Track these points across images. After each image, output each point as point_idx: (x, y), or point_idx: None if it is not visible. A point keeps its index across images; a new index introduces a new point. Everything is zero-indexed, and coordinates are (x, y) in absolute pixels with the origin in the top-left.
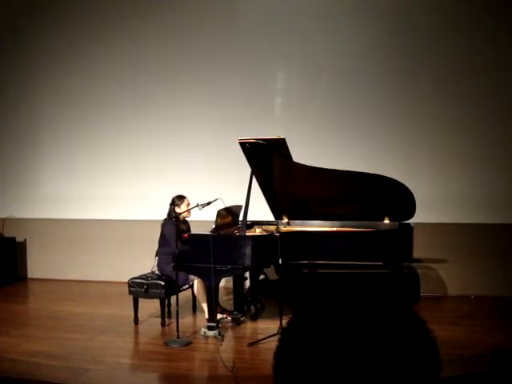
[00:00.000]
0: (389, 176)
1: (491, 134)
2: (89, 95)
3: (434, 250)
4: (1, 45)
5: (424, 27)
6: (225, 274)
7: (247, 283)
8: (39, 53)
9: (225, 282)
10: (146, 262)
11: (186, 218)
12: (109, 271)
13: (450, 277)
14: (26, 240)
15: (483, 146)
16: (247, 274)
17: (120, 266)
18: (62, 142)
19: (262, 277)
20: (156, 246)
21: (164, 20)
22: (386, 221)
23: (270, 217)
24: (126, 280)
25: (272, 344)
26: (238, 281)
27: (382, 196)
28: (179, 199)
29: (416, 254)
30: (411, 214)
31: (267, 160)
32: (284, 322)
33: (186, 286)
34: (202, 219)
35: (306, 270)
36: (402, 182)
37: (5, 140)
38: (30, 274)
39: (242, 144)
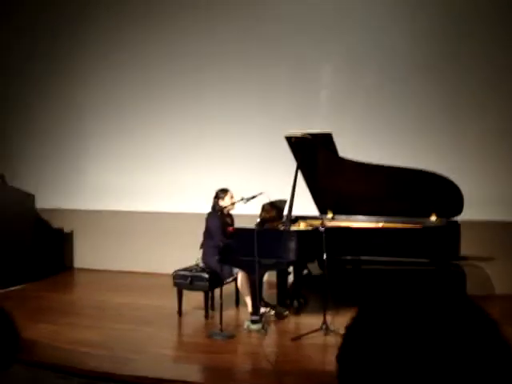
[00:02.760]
0: (436, 172)
1: None
2: (138, 85)
3: (480, 247)
4: (53, 40)
5: (474, 23)
6: (269, 267)
7: (291, 278)
8: (89, 48)
9: (268, 277)
10: (190, 255)
11: (230, 211)
12: (153, 263)
13: (497, 275)
14: (72, 231)
15: None
16: (291, 269)
17: (164, 258)
18: (110, 133)
19: (305, 272)
20: (200, 239)
21: (211, 18)
22: (433, 217)
23: (315, 211)
24: (170, 272)
25: (315, 339)
26: (282, 275)
27: (428, 192)
28: (222, 192)
29: (463, 252)
30: (459, 211)
31: (313, 154)
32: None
33: (230, 279)
34: (246, 213)
35: (349, 266)
36: (450, 178)
37: (54, 132)
38: (76, 264)
39: (289, 139)
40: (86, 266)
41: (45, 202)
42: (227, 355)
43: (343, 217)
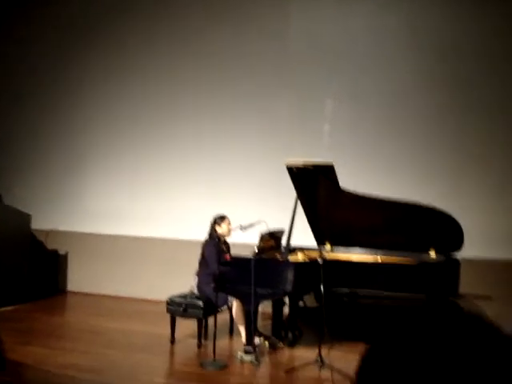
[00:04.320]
0: (435, 207)
1: None
2: (138, 110)
3: (480, 286)
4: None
5: (476, 58)
6: (265, 298)
7: (286, 309)
8: (90, 67)
9: (263, 307)
10: (184, 282)
11: (227, 239)
12: (147, 289)
13: (496, 315)
14: (67, 253)
15: None
16: (286, 300)
17: (158, 285)
18: (109, 157)
19: (301, 303)
20: (195, 267)
21: (215, 43)
22: (432, 252)
23: (313, 242)
24: (163, 299)
25: (309, 372)
26: (277, 306)
27: (427, 227)
28: (221, 219)
29: (462, 290)
30: (458, 246)
31: (314, 184)
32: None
33: (225, 308)
34: (242, 241)
35: (346, 299)
36: (450, 213)
37: (51, 154)
38: (69, 287)
39: (290, 168)
40: (80, 290)
41: (41, 222)
42: None
43: (341, 248)
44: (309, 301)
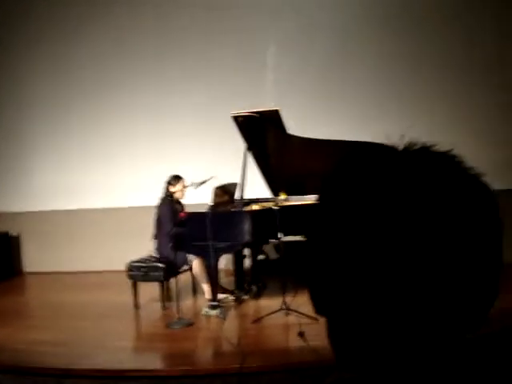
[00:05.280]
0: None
1: None
2: (84, 81)
3: None
4: None
5: None
6: (224, 251)
7: (247, 262)
8: (32, 39)
9: (224, 265)
10: (142, 249)
11: (180, 200)
12: (106, 260)
13: None
14: (19, 234)
15: None
16: (247, 253)
17: (117, 255)
18: (55, 131)
19: (261, 256)
20: (152, 232)
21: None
22: None
23: (267, 194)
24: (123, 268)
25: (276, 320)
26: (238, 259)
27: None
28: (175, 179)
29: None
30: None
31: (261, 133)
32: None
33: (186, 268)
34: (196, 202)
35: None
36: None
37: None
38: (25, 269)
39: (235, 118)
40: (36, 270)
41: None
42: (187, 342)
43: (297, 197)
44: (270, 253)
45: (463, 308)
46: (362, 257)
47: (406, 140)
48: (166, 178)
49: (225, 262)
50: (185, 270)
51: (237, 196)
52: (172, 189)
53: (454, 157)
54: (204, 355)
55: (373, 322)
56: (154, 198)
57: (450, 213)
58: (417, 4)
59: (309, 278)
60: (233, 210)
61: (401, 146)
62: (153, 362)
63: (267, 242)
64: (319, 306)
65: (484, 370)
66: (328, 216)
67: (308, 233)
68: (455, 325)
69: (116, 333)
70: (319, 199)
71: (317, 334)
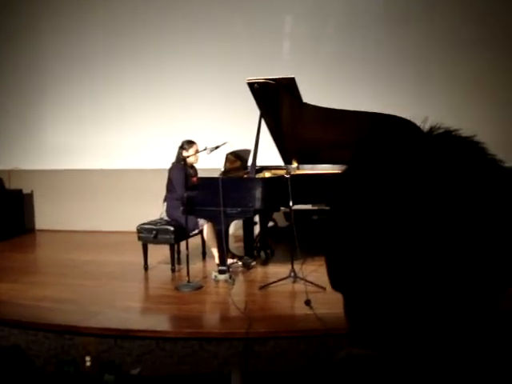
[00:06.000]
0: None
1: None
2: (99, 45)
3: None
4: None
5: None
6: (234, 217)
7: (257, 229)
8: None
9: (234, 230)
10: (153, 210)
11: (194, 164)
12: (117, 221)
13: None
14: (32, 191)
15: None
16: (257, 219)
17: (128, 215)
18: (69, 90)
19: (271, 223)
20: (163, 195)
21: None
22: None
23: (279, 162)
24: (134, 230)
25: (283, 287)
26: (248, 226)
27: None
28: (188, 144)
29: None
30: None
31: (276, 101)
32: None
33: (196, 232)
34: (209, 166)
35: (315, 217)
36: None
37: (7, 90)
38: (37, 226)
39: (251, 84)
40: (48, 227)
41: (2, 162)
42: (195, 305)
43: (308, 166)
44: (279, 221)
45: (488, 279)
46: (385, 233)
47: (428, 122)
48: (177, 145)
49: (234, 227)
50: (195, 234)
51: (249, 163)
52: (185, 153)
53: (477, 143)
54: (211, 319)
55: (391, 298)
56: (168, 161)
57: (473, 196)
58: None
59: (328, 251)
60: (245, 176)
61: (425, 128)
62: (160, 323)
63: (278, 210)
64: (336, 282)
65: None
66: (353, 190)
67: (331, 204)
68: (481, 295)
69: (124, 293)
70: (346, 172)
71: (323, 302)
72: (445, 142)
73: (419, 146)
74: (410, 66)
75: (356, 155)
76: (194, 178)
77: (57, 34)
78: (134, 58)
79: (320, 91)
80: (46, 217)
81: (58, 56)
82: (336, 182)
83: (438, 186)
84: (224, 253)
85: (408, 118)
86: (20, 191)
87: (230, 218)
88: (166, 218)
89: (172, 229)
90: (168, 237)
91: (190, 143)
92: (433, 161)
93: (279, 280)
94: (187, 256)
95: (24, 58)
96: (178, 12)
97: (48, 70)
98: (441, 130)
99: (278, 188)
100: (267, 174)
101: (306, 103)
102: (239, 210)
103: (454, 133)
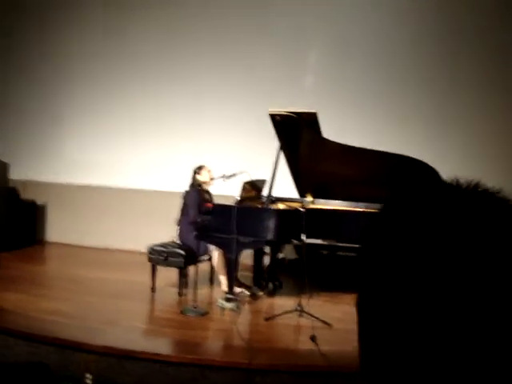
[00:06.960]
0: (420, 159)
1: None
2: (116, 57)
3: None
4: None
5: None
6: (247, 246)
7: (266, 259)
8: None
9: (243, 259)
10: (164, 233)
11: (209, 188)
12: (127, 240)
13: None
14: (46, 204)
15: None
16: (267, 250)
17: (139, 236)
18: (88, 107)
19: (280, 255)
20: (176, 217)
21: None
22: None
23: (294, 194)
24: (144, 250)
25: (289, 320)
26: (258, 256)
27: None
28: (199, 168)
29: None
30: None
31: (297, 134)
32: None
33: (206, 258)
34: (224, 193)
35: (325, 252)
36: (436, 167)
37: (28, 102)
38: (48, 238)
39: (273, 116)
40: (59, 240)
41: (18, 172)
42: (199, 331)
43: (323, 201)
44: (289, 254)
45: None
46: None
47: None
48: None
49: (243, 256)
50: (205, 260)
51: (264, 193)
52: (199, 177)
53: None
54: (215, 346)
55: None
56: (182, 184)
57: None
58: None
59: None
60: (260, 206)
61: (462, 184)
62: (163, 346)
63: (289, 242)
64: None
65: None
66: (386, 247)
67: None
68: None
69: (130, 313)
70: (377, 227)
71: (328, 339)
72: (483, 203)
73: (455, 206)
74: (432, 107)
75: (389, 212)
76: (209, 204)
77: (84, 57)
78: (154, 77)
79: (341, 126)
80: (57, 229)
81: (81, 74)
82: (370, 228)
83: (474, 252)
84: (233, 281)
85: (430, 156)
86: (33, 202)
87: (241, 247)
88: (178, 241)
89: (183, 253)
90: (178, 260)
91: (200, 167)
92: (470, 223)
93: (285, 312)
94: (195, 281)
95: (50, 73)
96: (203, 36)
97: (70, 87)
98: (480, 189)
99: (292, 220)
100: (281, 206)
101: (325, 139)
102: (252, 239)
103: (495, 194)
